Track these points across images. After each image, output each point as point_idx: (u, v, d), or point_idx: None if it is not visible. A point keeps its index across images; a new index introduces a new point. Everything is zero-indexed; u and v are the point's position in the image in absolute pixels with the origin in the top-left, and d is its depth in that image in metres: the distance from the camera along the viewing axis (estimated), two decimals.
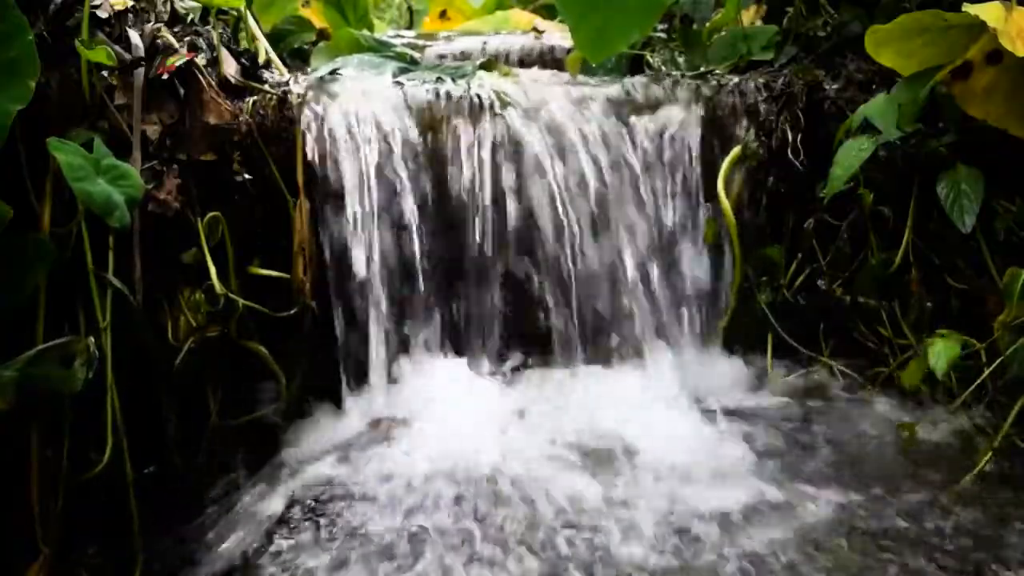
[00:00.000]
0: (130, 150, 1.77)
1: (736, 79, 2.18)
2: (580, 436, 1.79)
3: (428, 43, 2.92)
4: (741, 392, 1.98)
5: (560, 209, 2.01)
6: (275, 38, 2.52)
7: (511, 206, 2.02)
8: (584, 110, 2.10)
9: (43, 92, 1.67)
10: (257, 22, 2.24)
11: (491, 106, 2.04)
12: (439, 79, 2.12)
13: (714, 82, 2.17)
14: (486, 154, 2.01)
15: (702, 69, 2.28)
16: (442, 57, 2.73)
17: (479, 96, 2.05)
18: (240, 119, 1.89)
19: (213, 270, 1.80)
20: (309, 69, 2.34)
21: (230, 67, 1.97)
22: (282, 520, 1.58)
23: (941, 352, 1.73)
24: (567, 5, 2.04)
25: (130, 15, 1.88)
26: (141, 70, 1.81)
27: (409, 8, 4.90)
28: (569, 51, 2.73)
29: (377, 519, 1.55)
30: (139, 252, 1.75)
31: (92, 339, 1.60)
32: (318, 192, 1.94)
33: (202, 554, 1.55)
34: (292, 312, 1.90)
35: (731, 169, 2.07)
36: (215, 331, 1.82)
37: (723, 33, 2.45)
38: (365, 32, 2.76)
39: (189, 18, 2.00)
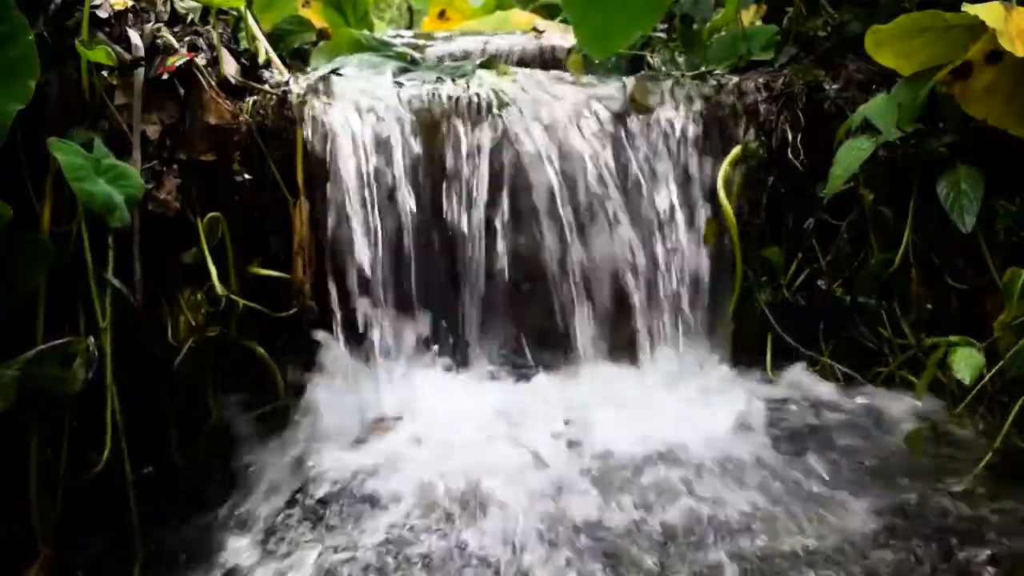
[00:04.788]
0: (130, 150, 1.76)
1: (736, 79, 2.17)
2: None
3: (428, 43, 2.93)
4: (741, 392, 1.98)
5: (559, 209, 2.01)
6: (275, 38, 2.51)
7: (510, 206, 2.02)
8: (583, 110, 2.10)
9: (43, 92, 1.67)
10: (257, 22, 2.24)
11: (490, 106, 2.04)
12: (439, 79, 2.12)
13: (714, 82, 2.17)
14: (485, 154, 2.01)
15: (702, 69, 2.28)
16: (442, 57, 2.73)
17: (478, 96, 2.05)
18: (240, 119, 1.89)
19: (213, 270, 1.80)
20: (309, 69, 2.34)
21: (230, 67, 1.97)
22: (283, 519, 1.58)
23: (964, 362, 1.68)
24: (570, 2, 2.04)
25: (130, 15, 1.88)
26: (141, 70, 1.81)
27: (409, 8, 4.91)
28: (569, 51, 2.74)
29: (378, 517, 1.55)
30: (139, 252, 1.74)
31: (92, 339, 1.60)
32: (318, 192, 1.94)
33: (202, 554, 1.55)
34: (292, 312, 1.90)
35: (731, 169, 2.07)
36: (215, 331, 1.82)
37: (723, 33, 2.45)
38: (365, 32, 2.76)
39: (189, 18, 2.00)
